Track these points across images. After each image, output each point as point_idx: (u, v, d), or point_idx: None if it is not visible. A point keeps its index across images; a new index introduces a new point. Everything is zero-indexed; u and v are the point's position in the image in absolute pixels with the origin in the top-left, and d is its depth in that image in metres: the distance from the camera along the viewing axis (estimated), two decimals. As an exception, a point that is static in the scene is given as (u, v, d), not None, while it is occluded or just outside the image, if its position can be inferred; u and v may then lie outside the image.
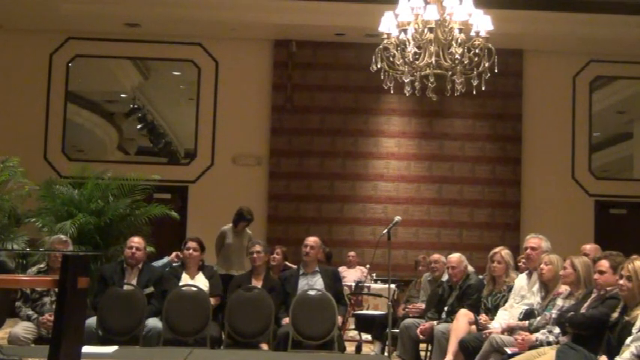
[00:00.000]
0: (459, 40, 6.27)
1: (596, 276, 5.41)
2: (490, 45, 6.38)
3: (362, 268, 10.51)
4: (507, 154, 12.71)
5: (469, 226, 12.56)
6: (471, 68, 6.43)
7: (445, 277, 7.68)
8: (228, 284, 7.53)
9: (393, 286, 7.92)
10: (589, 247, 6.85)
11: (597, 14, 11.43)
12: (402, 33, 6.44)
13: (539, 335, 5.69)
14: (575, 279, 5.69)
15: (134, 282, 6.98)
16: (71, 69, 12.51)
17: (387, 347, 6.94)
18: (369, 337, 8.38)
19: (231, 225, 9.65)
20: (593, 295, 5.43)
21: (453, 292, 7.19)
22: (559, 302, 5.82)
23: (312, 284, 7.15)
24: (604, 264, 5.35)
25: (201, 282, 7.14)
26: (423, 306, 7.82)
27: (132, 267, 7.06)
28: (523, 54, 12.79)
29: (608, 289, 5.29)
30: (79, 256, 4.41)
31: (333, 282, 7.26)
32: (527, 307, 6.25)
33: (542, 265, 6.08)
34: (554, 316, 5.71)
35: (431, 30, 6.25)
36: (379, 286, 9.75)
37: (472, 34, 6.35)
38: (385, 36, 6.50)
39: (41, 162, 12.05)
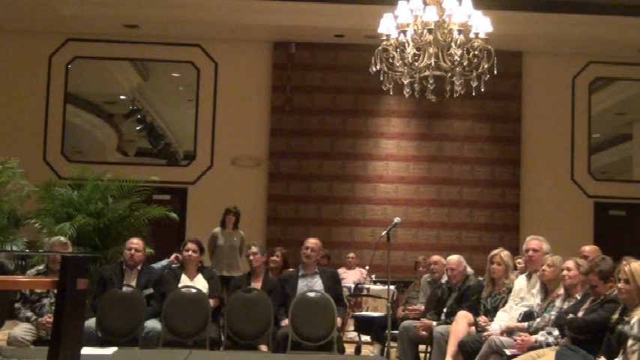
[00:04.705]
0: (459, 42, 6.27)
1: (589, 290, 5.44)
2: (489, 46, 6.38)
3: (361, 269, 10.51)
4: (507, 155, 12.72)
5: (468, 228, 12.56)
6: (471, 70, 6.43)
7: (444, 279, 7.68)
8: (222, 285, 7.57)
9: (392, 287, 7.92)
10: (588, 248, 6.83)
11: (596, 16, 11.43)
12: (402, 34, 6.44)
13: (539, 337, 5.70)
14: (579, 281, 5.71)
15: (133, 283, 6.98)
16: (70, 70, 12.52)
17: (386, 348, 6.93)
18: (368, 338, 8.38)
19: (219, 227, 9.73)
20: (592, 297, 5.43)
21: (452, 293, 7.20)
22: (558, 304, 5.83)
23: (312, 285, 7.15)
24: (593, 278, 5.37)
25: (201, 283, 7.15)
26: (423, 307, 7.82)
27: (131, 268, 7.07)
28: (522, 55, 12.80)
29: (606, 292, 5.30)
30: (78, 257, 4.42)
31: (333, 283, 7.26)
32: (526, 309, 6.26)
33: (544, 267, 6.08)
34: (553, 317, 5.72)
35: (430, 31, 6.25)
36: (378, 287, 9.74)
37: (471, 35, 6.35)
38: (384, 37, 6.50)
39: (40, 163, 12.06)
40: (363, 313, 9.09)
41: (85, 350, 5.05)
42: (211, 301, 6.99)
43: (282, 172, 12.52)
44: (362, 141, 12.66)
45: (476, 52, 6.33)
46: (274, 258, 8.25)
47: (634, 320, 4.72)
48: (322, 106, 12.63)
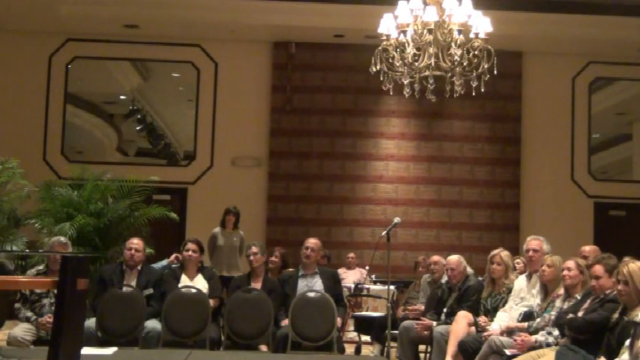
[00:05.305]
0: (459, 42, 6.27)
1: (592, 282, 5.41)
2: (489, 46, 6.38)
3: (361, 269, 10.51)
4: (507, 155, 12.72)
5: (468, 228, 12.56)
6: (471, 70, 6.43)
7: (444, 279, 7.69)
8: (222, 286, 7.58)
9: (392, 287, 7.92)
10: (588, 248, 6.84)
11: (596, 16, 11.43)
12: (402, 34, 6.44)
13: (539, 337, 5.70)
14: (580, 281, 5.71)
15: (133, 283, 6.98)
16: (70, 70, 12.52)
17: (386, 348, 6.93)
18: (368, 338, 8.38)
19: (219, 227, 9.74)
20: (592, 297, 5.43)
21: (453, 293, 7.20)
22: (558, 304, 5.83)
23: (312, 285, 7.15)
24: (599, 269, 5.35)
25: (201, 283, 7.15)
26: (423, 307, 7.82)
27: (131, 268, 7.07)
28: (522, 56, 12.79)
29: (607, 292, 5.30)
30: (78, 257, 4.42)
31: (333, 283, 7.26)
32: (526, 309, 6.26)
33: (543, 267, 6.08)
34: (553, 317, 5.72)
35: (430, 31, 6.25)
36: (378, 287, 9.74)
37: (471, 35, 6.35)
38: (384, 37, 6.51)
39: (40, 163, 12.06)
40: (363, 313, 9.08)
41: (85, 350, 5.05)
42: (211, 301, 6.99)
43: (282, 172, 12.51)
44: (362, 141, 12.66)
45: (476, 52, 6.33)
46: (273, 258, 8.25)
47: None
48: (322, 106, 12.63)
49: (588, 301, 5.43)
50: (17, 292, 6.65)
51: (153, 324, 6.74)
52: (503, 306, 6.56)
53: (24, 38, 12.30)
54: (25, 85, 12.39)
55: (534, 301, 6.28)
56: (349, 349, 8.02)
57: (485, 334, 6.21)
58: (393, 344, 7.02)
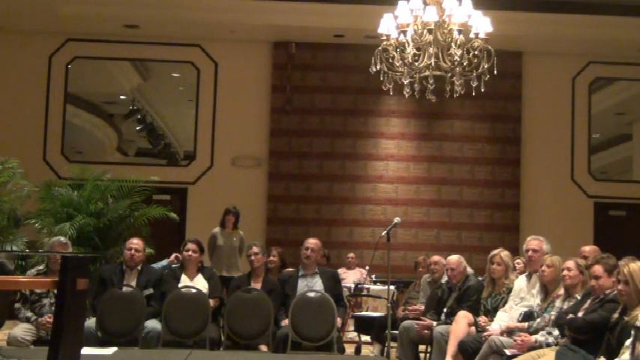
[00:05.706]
0: (459, 42, 6.27)
1: (592, 282, 5.40)
2: (489, 46, 6.38)
3: (361, 269, 10.51)
4: (506, 155, 12.72)
5: (468, 228, 12.56)
6: (471, 70, 6.43)
7: (444, 279, 7.69)
8: (222, 286, 7.59)
9: (392, 287, 7.92)
10: (588, 248, 6.83)
11: (596, 16, 11.44)
12: (402, 34, 6.45)
13: (539, 337, 5.70)
14: (580, 281, 5.71)
15: (133, 283, 6.98)
16: (70, 70, 12.52)
17: (386, 348, 6.93)
18: (368, 338, 8.38)
19: (219, 227, 9.74)
20: (592, 297, 5.43)
21: (453, 293, 7.20)
22: (558, 304, 5.83)
23: (312, 285, 7.15)
24: (598, 269, 5.35)
25: (201, 283, 7.15)
26: (423, 307, 7.82)
27: (131, 268, 7.07)
28: (522, 55, 12.80)
29: (606, 292, 5.29)
30: (78, 257, 4.42)
31: (333, 283, 7.26)
32: (526, 309, 6.26)
33: (543, 267, 6.08)
34: (553, 317, 5.72)
35: (430, 31, 6.26)
36: (378, 287, 9.74)
37: (471, 35, 6.35)
38: (384, 37, 6.51)
39: (40, 163, 12.06)
40: (363, 313, 9.08)
41: (85, 350, 5.05)
42: (211, 301, 6.99)
43: (282, 172, 12.51)
44: (362, 141, 12.66)
45: (476, 52, 6.33)
46: (272, 258, 8.25)
47: None
48: (322, 106, 12.63)
49: (588, 302, 5.43)
50: (17, 292, 6.65)
51: (153, 324, 6.74)
52: (503, 306, 6.56)
53: (24, 38, 12.30)
54: (25, 85, 12.39)
55: (534, 301, 6.27)
56: (349, 349, 8.02)
57: (486, 334, 6.21)
58: (393, 344, 7.02)
